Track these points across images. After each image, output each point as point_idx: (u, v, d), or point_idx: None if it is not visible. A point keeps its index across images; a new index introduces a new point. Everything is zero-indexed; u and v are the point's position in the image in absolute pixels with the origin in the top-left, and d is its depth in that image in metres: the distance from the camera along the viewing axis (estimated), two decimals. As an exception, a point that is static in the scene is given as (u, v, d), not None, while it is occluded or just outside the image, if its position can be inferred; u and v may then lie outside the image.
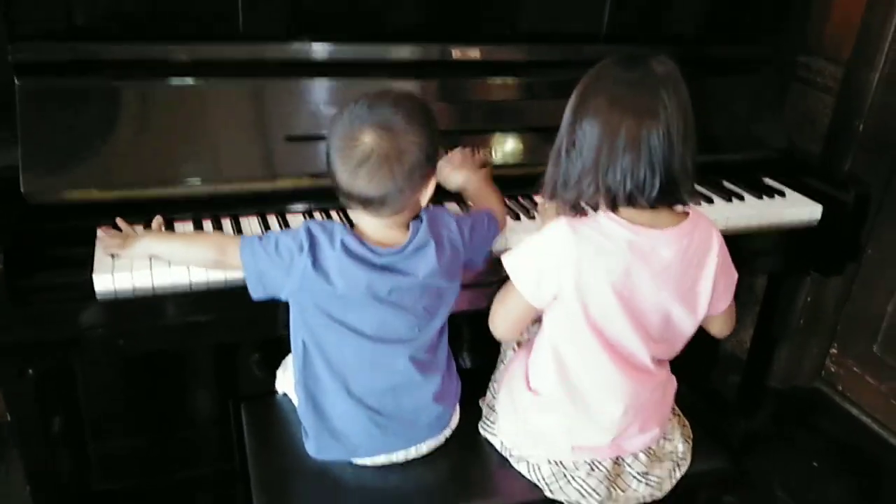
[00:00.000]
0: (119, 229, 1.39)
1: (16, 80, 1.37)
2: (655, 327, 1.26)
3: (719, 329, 1.39)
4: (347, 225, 1.27)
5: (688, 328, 1.30)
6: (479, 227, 1.36)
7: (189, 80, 1.47)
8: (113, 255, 1.33)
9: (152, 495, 1.91)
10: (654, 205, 1.20)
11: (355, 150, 1.18)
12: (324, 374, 1.30)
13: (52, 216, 1.40)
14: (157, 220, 1.42)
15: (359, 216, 1.26)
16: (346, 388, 1.30)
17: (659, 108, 1.16)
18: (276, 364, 1.58)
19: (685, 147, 1.18)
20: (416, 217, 1.29)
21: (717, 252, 1.26)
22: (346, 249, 1.22)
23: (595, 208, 1.23)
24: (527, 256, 1.25)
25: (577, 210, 1.23)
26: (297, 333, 1.31)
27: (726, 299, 1.33)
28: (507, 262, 1.27)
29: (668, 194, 1.20)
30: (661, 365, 1.34)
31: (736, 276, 1.33)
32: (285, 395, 1.52)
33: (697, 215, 1.27)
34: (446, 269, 1.28)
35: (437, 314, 1.32)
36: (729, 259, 1.31)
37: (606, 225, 1.21)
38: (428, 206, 1.29)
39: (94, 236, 1.39)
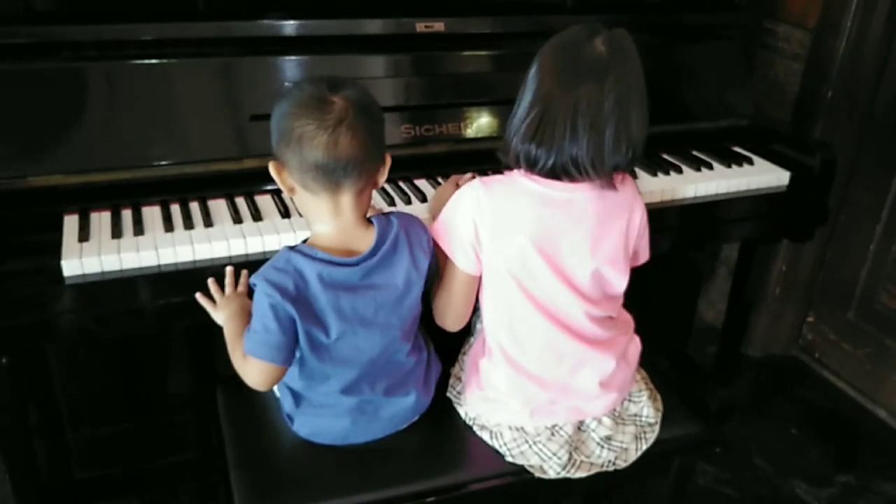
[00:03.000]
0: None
1: (-29, 65, 1.36)
2: (586, 285, 1.27)
3: None
4: (299, 246, 1.21)
5: (619, 283, 1.32)
6: None
7: (152, 61, 1.46)
8: None
9: (135, 482, 1.90)
10: (556, 175, 1.21)
11: (330, 110, 1.13)
12: (316, 372, 1.28)
13: (19, 202, 1.40)
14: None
15: (318, 206, 1.20)
16: (338, 386, 1.29)
17: (581, 86, 1.16)
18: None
19: (609, 127, 1.17)
20: (371, 220, 1.25)
21: (637, 216, 1.29)
22: (323, 282, 1.18)
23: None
24: (446, 218, 1.27)
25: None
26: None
27: (645, 256, 1.38)
28: (433, 228, 1.28)
29: (575, 168, 1.20)
30: (606, 326, 1.34)
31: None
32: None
33: (620, 176, 1.27)
34: (423, 273, 1.26)
35: (415, 314, 1.31)
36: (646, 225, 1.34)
37: (520, 181, 1.24)
38: (391, 213, 1.28)
39: (62, 221, 1.39)
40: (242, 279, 1.35)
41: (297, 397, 1.33)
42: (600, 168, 1.19)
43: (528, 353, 1.31)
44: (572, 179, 1.22)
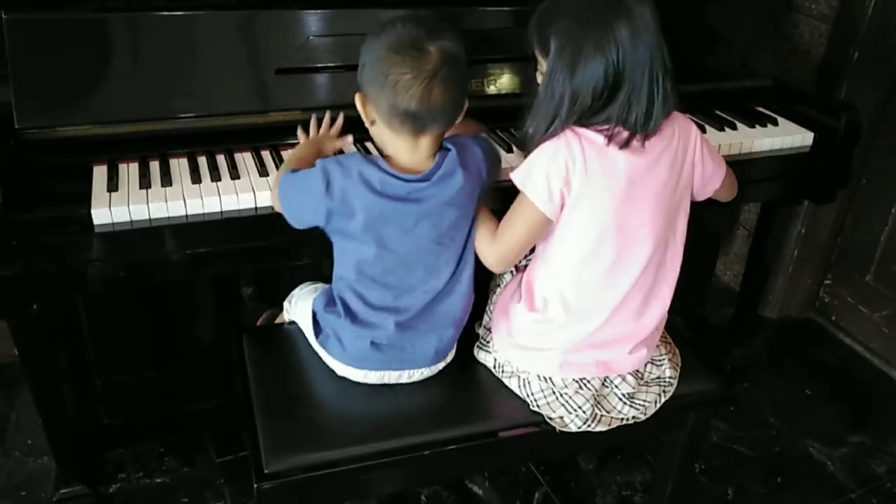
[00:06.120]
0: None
1: (3, 14, 1.36)
2: (658, 231, 1.29)
3: (725, 196, 1.45)
4: (371, 156, 1.27)
5: (682, 225, 1.34)
6: (491, 150, 1.39)
7: (179, 13, 1.46)
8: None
9: (162, 427, 1.95)
10: (646, 131, 1.23)
11: (427, 60, 1.18)
12: (366, 288, 1.33)
13: (49, 152, 1.42)
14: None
15: (396, 142, 1.26)
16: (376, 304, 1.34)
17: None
18: (271, 296, 1.60)
19: (657, 63, 1.20)
20: (441, 147, 1.30)
21: (692, 138, 1.30)
22: (366, 183, 1.22)
23: None
24: (535, 166, 1.25)
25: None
26: (343, 256, 1.33)
27: (719, 177, 1.38)
28: (516, 176, 1.27)
29: (648, 119, 1.22)
30: (659, 281, 1.36)
31: (724, 162, 1.39)
32: (292, 323, 1.55)
33: (672, 116, 1.28)
34: (469, 194, 1.29)
35: (463, 245, 1.34)
36: (710, 145, 1.36)
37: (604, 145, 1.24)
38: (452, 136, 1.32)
39: (91, 171, 1.41)
40: (339, 122, 1.49)
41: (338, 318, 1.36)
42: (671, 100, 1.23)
43: (586, 299, 1.32)
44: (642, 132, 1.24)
